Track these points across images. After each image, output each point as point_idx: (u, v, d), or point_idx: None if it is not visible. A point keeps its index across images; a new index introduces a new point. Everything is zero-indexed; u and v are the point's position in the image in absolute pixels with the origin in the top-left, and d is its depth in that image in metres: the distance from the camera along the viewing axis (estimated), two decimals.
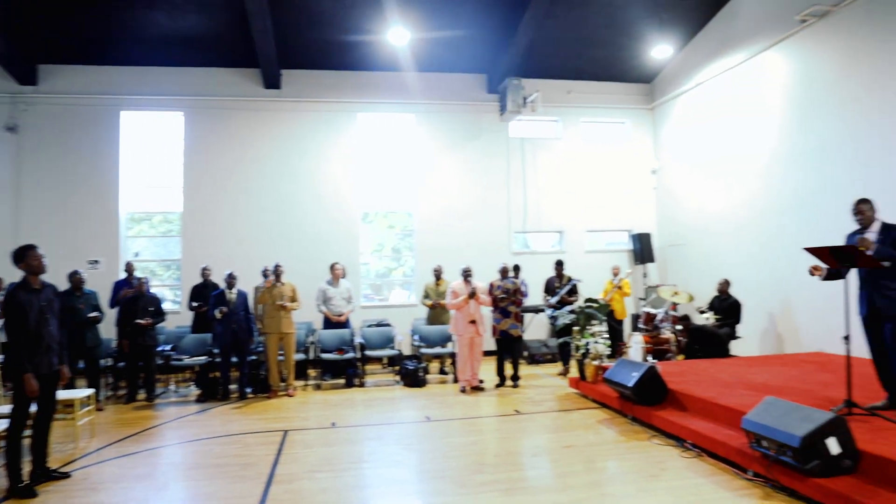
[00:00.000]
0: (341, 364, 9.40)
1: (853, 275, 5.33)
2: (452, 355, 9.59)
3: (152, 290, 8.96)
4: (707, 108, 11.70)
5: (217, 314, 8.44)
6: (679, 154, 12.69)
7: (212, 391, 8.57)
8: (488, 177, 12.67)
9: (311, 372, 10.17)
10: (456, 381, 9.09)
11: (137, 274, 9.79)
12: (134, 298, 8.55)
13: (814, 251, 5.24)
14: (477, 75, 12.70)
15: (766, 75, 10.14)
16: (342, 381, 9.47)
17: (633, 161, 13.48)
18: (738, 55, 10.78)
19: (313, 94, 12.06)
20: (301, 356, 9.37)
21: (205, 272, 9.68)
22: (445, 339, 9.84)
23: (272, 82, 11.79)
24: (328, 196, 12.04)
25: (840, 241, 5.60)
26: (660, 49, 12.07)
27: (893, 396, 5.19)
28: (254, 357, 9.02)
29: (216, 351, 8.68)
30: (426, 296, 10.40)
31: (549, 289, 10.20)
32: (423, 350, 9.71)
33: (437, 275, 10.41)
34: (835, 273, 5.35)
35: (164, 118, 11.89)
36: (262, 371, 8.82)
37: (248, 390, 8.69)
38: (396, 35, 11.05)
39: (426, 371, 9.35)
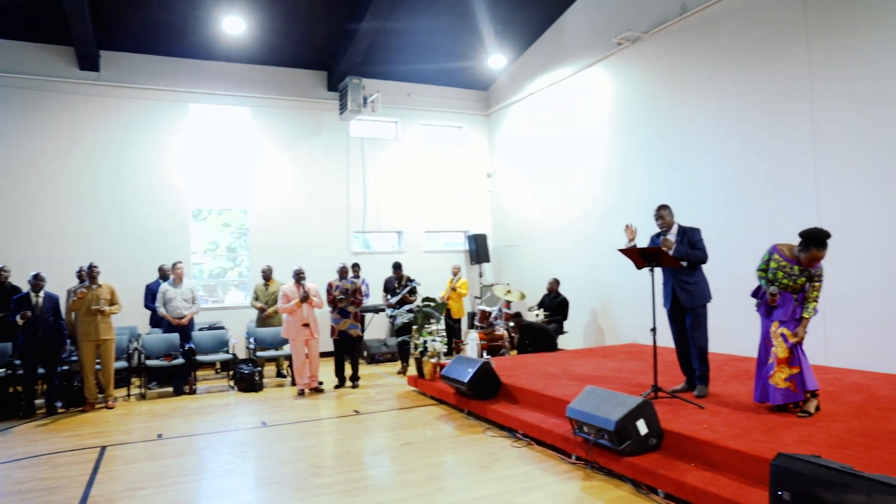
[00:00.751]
0: (169, 371, 8.79)
1: (659, 272, 5.94)
2: (290, 357, 9.36)
3: None
4: (538, 117, 12.41)
5: (18, 320, 7.53)
6: (512, 159, 13.34)
7: (12, 408, 7.63)
8: (328, 175, 12.50)
9: (135, 380, 9.41)
10: (294, 383, 8.87)
11: None
12: None
13: (626, 252, 5.72)
14: (317, 72, 12.48)
15: (593, 90, 10.97)
16: (170, 388, 8.86)
17: (470, 164, 13.94)
18: (566, 69, 11.56)
19: (139, 80, 11.14)
20: (122, 364, 8.64)
21: (1, 274, 8.59)
22: (282, 342, 9.56)
23: (89, 63, 10.70)
24: (156, 191, 11.19)
25: (643, 240, 6.17)
26: (495, 59, 12.64)
27: (690, 380, 5.81)
28: (65, 367, 8.16)
29: (17, 362, 7.74)
30: (256, 298, 10.06)
31: (388, 289, 10.30)
32: (259, 353, 9.37)
33: (267, 276, 10.08)
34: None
35: None
36: (77, 382, 8.01)
37: (59, 404, 7.85)
38: (232, 24, 10.55)
39: (262, 375, 9.03)
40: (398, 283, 10.15)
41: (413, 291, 10.06)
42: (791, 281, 4.88)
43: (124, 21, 10.35)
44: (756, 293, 5.20)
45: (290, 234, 12.04)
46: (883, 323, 6.60)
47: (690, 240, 5.69)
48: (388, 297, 10.23)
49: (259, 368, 8.94)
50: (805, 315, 4.84)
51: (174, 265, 9.18)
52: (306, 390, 8.46)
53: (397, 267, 10.30)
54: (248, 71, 11.90)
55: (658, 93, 9.56)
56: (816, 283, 4.80)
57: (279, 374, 10.02)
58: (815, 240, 4.70)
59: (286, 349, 9.51)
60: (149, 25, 10.50)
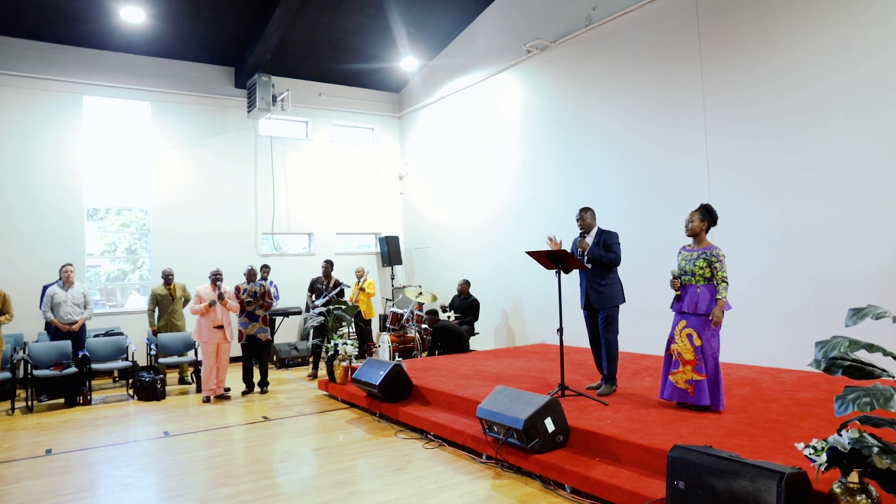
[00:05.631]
0: (60, 381, 8.25)
1: (573, 274, 6.14)
2: (194, 363, 9.05)
3: None
4: (450, 121, 12.54)
5: None
6: (424, 161, 13.41)
7: None
8: (235, 175, 12.15)
9: (21, 392, 8.77)
10: (199, 390, 8.55)
11: None
12: None
13: (533, 254, 5.87)
14: (224, 68, 12.09)
15: (504, 94, 11.19)
16: (62, 400, 8.32)
17: (382, 166, 13.92)
18: (477, 73, 11.74)
19: (25, 68, 10.37)
20: (6, 375, 8.02)
21: None
22: (186, 347, 9.21)
23: None
24: (47, 187, 10.45)
25: (566, 244, 6.36)
26: (407, 61, 12.67)
27: (607, 376, 5.97)
28: None
29: None
30: (154, 302, 9.59)
31: (314, 289, 10.06)
32: (162, 360, 8.98)
33: (168, 279, 9.67)
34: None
35: None
36: None
37: None
38: (131, 13, 10.04)
39: (165, 382, 8.65)
40: (326, 285, 9.96)
41: (342, 294, 9.92)
42: (690, 265, 5.11)
43: (11, 1, 9.61)
44: (672, 303, 5.34)
45: (194, 236, 11.60)
46: (768, 319, 7.11)
47: (606, 242, 5.87)
48: (314, 298, 10.00)
49: (161, 376, 8.56)
50: (718, 297, 4.97)
51: (62, 267, 8.63)
52: (212, 397, 8.18)
53: (328, 265, 10.07)
54: (149, 64, 11.36)
55: (567, 98, 9.88)
56: (717, 264, 5.01)
57: (183, 381, 9.64)
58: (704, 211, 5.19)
59: (190, 355, 9.17)
60: (39, 9, 9.80)
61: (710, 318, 4.98)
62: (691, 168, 7.97)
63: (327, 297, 9.73)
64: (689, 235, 5.22)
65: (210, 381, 8.21)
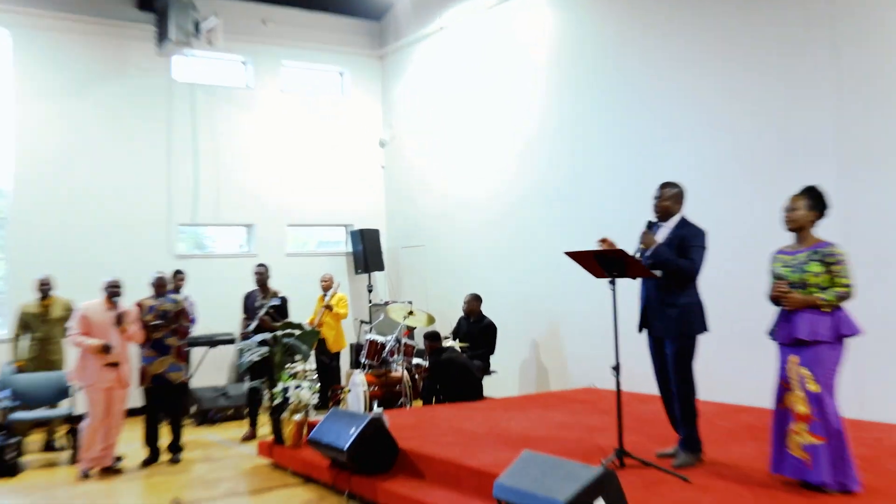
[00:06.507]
0: None
1: (633, 284, 6.00)
2: (71, 419, 8.95)
3: None
4: (454, 62, 12.46)
5: None
6: (417, 122, 13.35)
7: None
8: (138, 139, 12.11)
9: None
10: (76, 460, 8.45)
11: None
12: None
13: (576, 256, 5.80)
14: None
15: (530, 24, 11.08)
16: None
17: (355, 128, 13.90)
18: None
19: None
20: None
21: None
22: (59, 394, 9.18)
23: None
24: None
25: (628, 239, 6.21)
26: None
27: (685, 439, 5.83)
28: None
29: None
30: (23, 325, 9.55)
31: (250, 308, 9.95)
32: (18, 415, 8.86)
33: (44, 290, 9.60)
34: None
35: None
36: None
37: None
38: None
39: (22, 449, 8.55)
40: (263, 298, 9.90)
41: (283, 313, 9.80)
42: (797, 272, 5.08)
43: None
44: (772, 329, 5.31)
45: (74, 228, 11.51)
46: None
47: (684, 242, 5.79)
48: (249, 322, 9.93)
49: (17, 439, 8.48)
50: (826, 297, 4.94)
51: None
52: (95, 470, 8.07)
53: (262, 271, 10.02)
54: None
55: (623, 29, 9.76)
56: (837, 267, 4.99)
57: (51, 447, 9.55)
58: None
59: (64, 406, 9.09)
60: None
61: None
62: (810, 134, 7.85)
63: (256, 321, 9.64)
64: (790, 229, 5.22)
65: (95, 445, 8.05)
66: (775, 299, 5.16)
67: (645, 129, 9.52)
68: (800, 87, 7.99)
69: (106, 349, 7.97)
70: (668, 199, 5.98)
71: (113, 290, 8.20)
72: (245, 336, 9.74)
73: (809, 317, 5.02)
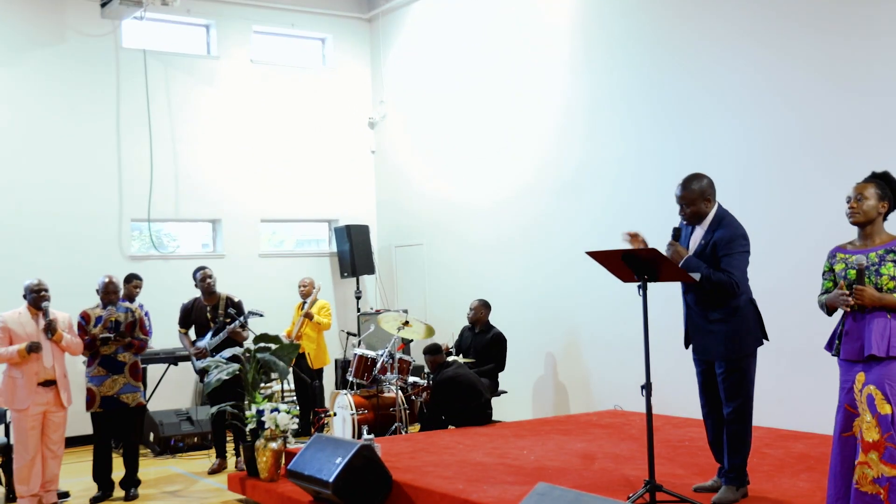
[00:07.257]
0: None
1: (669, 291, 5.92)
2: (4, 449, 8.85)
3: None
4: (456, 29, 12.45)
5: None
6: (412, 98, 13.39)
7: None
8: (81, 116, 12.09)
9: None
10: (12, 498, 8.40)
11: None
12: None
13: (599, 256, 5.73)
14: None
15: None
16: None
17: (340, 106, 13.97)
18: None
19: None
20: None
21: None
22: None
23: None
24: None
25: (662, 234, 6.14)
26: None
27: (729, 470, 5.77)
28: None
29: None
30: None
31: (190, 322, 9.88)
32: None
33: None
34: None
35: None
36: None
37: None
38: None
39: None
40: (213, 313, 9.78)
41: (244, 325, 9.71)
42: (872, 275, 4.95)
43: None
44: (831, 342, 5.18)
45: (3, 223, 11.45)
46: None
47: (720, 246, 5.65)
48: (198, 337, 9.86)
49: None
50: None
51: None
52: None
53: (204, 276, 9.88)
54: None
55: None
56: None
57: None
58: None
59: None
60: None
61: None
62: (882, 114, 7.75)
63: (223, 336, 9.57)
64: (856, 223, 5.04)
65: (32, 480, 8.00)
66: (833, 306, 5.04)
67: (691, 102, 9.45)
68: (863, 56, 7.91)
69: (31, 349, 7.82)
70: (696, 198, 5.74)
71: (37, 296, 8.06)
72: (198, 355, 9.64)
73: (882, 327, 4.86)
